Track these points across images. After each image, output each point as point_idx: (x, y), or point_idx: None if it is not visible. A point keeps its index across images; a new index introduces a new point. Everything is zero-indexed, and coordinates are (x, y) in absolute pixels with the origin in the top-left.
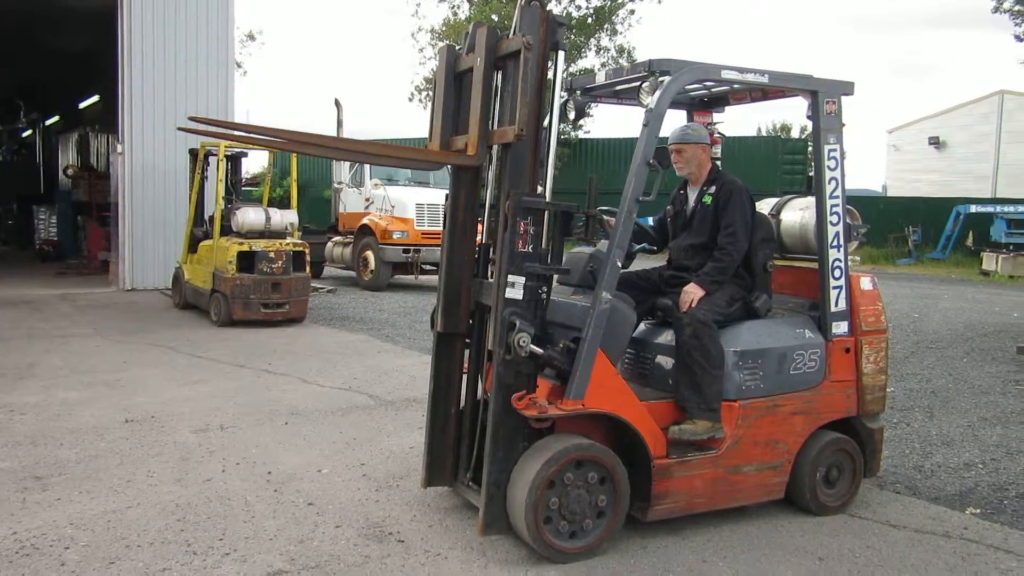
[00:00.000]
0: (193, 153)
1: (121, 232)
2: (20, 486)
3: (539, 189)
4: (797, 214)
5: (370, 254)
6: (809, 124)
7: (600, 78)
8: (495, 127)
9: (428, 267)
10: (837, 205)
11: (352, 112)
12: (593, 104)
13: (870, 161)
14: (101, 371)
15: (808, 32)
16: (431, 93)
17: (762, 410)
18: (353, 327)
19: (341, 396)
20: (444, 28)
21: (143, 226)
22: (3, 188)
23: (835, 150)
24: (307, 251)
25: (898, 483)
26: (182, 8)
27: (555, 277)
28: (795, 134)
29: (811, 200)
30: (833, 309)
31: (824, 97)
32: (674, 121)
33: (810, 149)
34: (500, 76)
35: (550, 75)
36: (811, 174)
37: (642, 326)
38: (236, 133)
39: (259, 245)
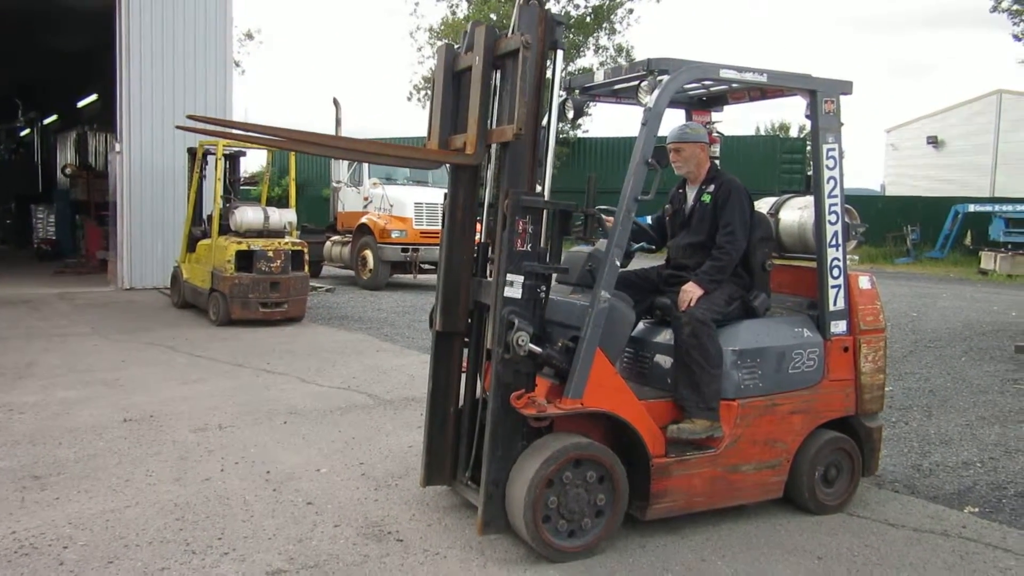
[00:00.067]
0: (191, 152)
1: (119, 231)
2: (19, 485)
3: (538, 188)
4: (796, 213)
5: (369, 253)
6: (808, 123)
7: (599, 77)
8: (494, 126)
9: (427, 266)
10: (836, 204)
11: (351, 111)
12: (592, 103)
13: (868, 160)
14: (99, 370)
15: (807, 32)
16: (430, 92)
17: (761, 409)
18: (352, 326)
19: (340, 395)
20: (443, 27)
21: (141, 225)
22: (1, 187)
23: (833, 149)
24: (306, 250)
25: (896, 482)
26: (180, 7)
27: (554, 276)
28: (794, 133)
29: (810, 199)
30: (831, 308)
31: (822, 96)
32: (673, 120)
33: (808, 148)
34: (499, 75)
35: (549, 74)
36: (810, 173)
37: (641, 325)
38: (235, 132)
39: (258, 244)
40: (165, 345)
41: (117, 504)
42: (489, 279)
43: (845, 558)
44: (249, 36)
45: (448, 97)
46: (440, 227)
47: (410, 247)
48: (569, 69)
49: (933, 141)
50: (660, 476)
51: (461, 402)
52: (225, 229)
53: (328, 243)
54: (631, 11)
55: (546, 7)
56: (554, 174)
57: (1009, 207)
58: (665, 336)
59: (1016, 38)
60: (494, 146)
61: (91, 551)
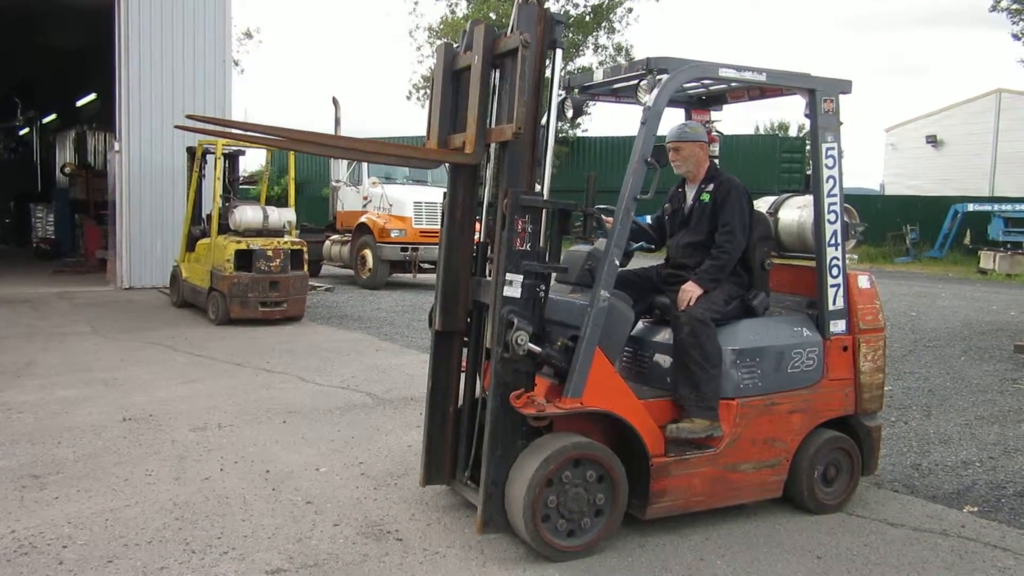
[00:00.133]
0: (191, 151)
1: (119, 230)
2: (18, 485)
3: (537, 187)
4: (795, 212)
5: (368, 252)
6: (807, 122)
7: (598, 76)
8: (493, 125)
9: (426, 265)
10: (835, 203)
11: (350, 110)
12: (591, 102)
13: (868, 160)
14: (99, 369)
15: (807, 31)
16: (429, 91)
17: (760, 408)
18: (351, 325)
19: (339, 395)
20: (442, 26)
21: (141, 224)
22: (0, 186)
23: (833, 148)
24: (305, 249)
25: (896, 481)
26: (179, 6)
27: (553, 275)
28: (793, 132)
29: (809, 198)
30: (831, 307)
31: (822, 95)
32: (672, 119)
33: (808, 147)
34: (498, 74)
35: (548, 73)
36: (809, 172)
37: (640, 324)
38: (234, 131)
39: (257, 243)
40: (164, 344)
41: (116, 503)
42: (488, 278)
43: (844, 557)
44: (248, 35)
45: (447, 96)
46: (439, 226)
47: (409, 246)
48: (568, 68)
49: (932, 140)
50: (659, 475)
51: (460, 401)
52: (224, 228)
53: (327, 242)
54: (630, 10)
55: (545, 6)
56: (553, 173)
57: (1008, 207)
58: (664, 335)
59: (1016, 37)
60: (493, 145)
61: (90, 550)
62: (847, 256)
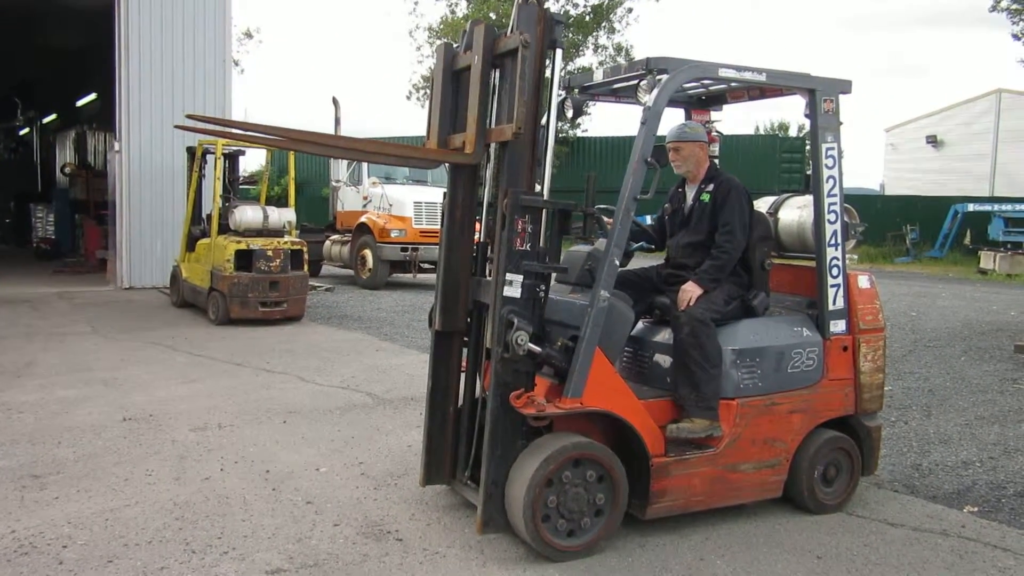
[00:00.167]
0: (191, 151)
1: (119, 230)
2: (18, 484)
3: (537, 187)
4: (795, 212)
5: (368, 252)
6: (807, 123)
7: (598, 76)
8: (493, 125)
9: (426, 265)
10: (835, 203)
11: (350, 110)
12: (591, 102)
13: (868, 160)
14: (99, 369)
15: (807, 31)
16: (429, 91)
17: (760, 408)
18: (351, 325)
19: (339, 395)
20: (442, 26)
21: (141, 224)
22: (0, 186)
23: (833, 148)
24: (305, 249)
25: (896, 481)
26: (179, 6)
27: (553, 275)
28: (793, 132)
29: (809, 198)
30: (831, 307)
31: (822, 96)
32: (672, 119)
33: (808, 147)
34: (498, 74)
35: (548, 73)
36: (809, 172)
37: (640, 324)
38: (234, 131)
39: (257, 243)
40: (164, 344)
41: (116, 503)
42: (488, 278)
43: (844, 557)
44: (248, 35)
45: (447, 96)
46: (439, 226)
47: (409, 246)
48: (568, 68)
49: (932, 140)
50: (659, 475)
51: (460, 401)
52: (224, 228)
53: (327, 242)
54: (630, 10)
55: (545, 6)
56: (553, 173)
57: (1008, 207)
58: (664, 335)
59: (1015, 37)
60: (493, 145)
61: (90, 550)
62: (847, 256)
